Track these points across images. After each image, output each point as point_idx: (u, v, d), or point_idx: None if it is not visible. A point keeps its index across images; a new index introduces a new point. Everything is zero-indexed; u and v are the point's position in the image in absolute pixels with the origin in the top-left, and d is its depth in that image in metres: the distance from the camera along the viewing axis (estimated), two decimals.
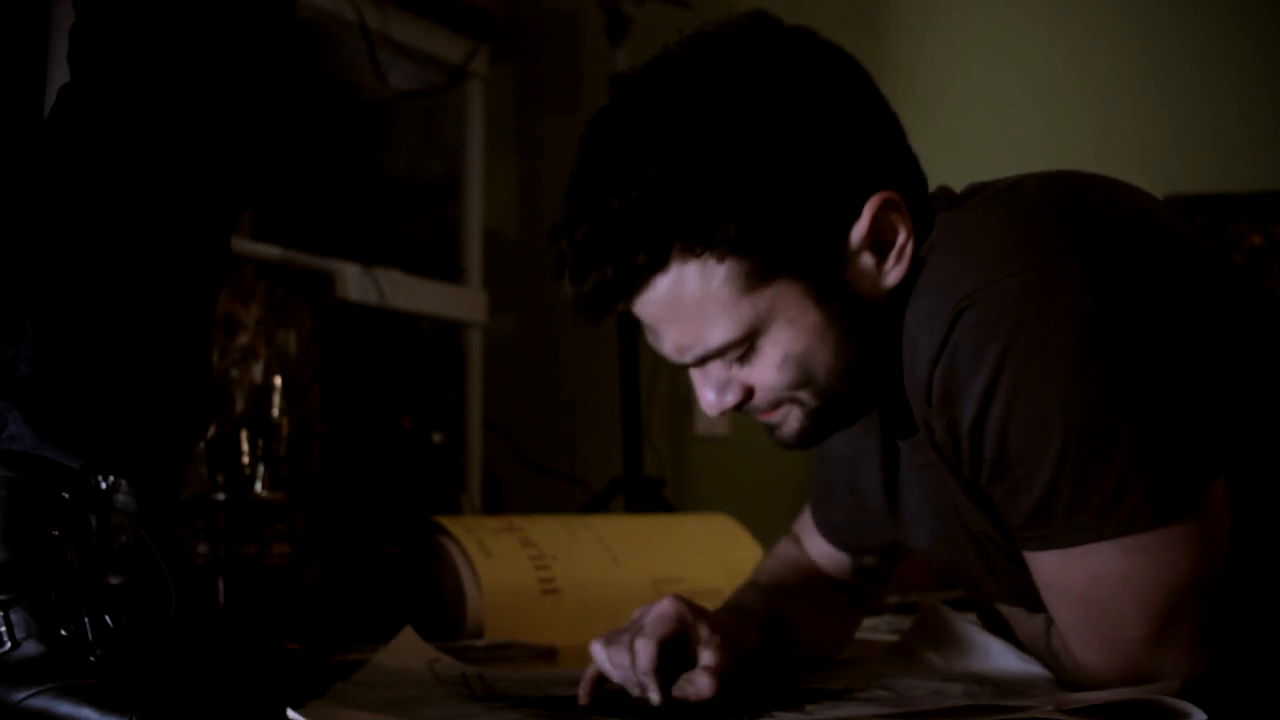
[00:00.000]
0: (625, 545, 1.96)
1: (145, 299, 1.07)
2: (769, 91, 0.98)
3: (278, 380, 1.83)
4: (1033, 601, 1.06)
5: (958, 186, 1.08)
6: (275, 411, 1.79)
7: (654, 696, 1.04)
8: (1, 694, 0.97)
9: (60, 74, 1.13)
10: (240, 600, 1.65)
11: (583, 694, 1.09)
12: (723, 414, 1.04)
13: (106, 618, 1.00)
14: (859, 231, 0.99)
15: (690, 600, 1.11)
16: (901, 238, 1.00)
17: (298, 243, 2.13)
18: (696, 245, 0.96)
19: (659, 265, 0.98)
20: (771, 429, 1.06)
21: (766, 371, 1.01)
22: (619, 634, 1.08)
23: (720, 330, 0.99)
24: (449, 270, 2.56)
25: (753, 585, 1.29)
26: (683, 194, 0.96)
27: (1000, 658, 1.23)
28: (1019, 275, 0.92)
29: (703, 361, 1.02)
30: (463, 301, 2.52)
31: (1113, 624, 0.93)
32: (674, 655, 1.06)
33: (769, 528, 1.53)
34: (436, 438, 2.43)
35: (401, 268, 2.35)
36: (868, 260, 1.00)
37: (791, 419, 1.05)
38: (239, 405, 1.96)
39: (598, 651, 1.08)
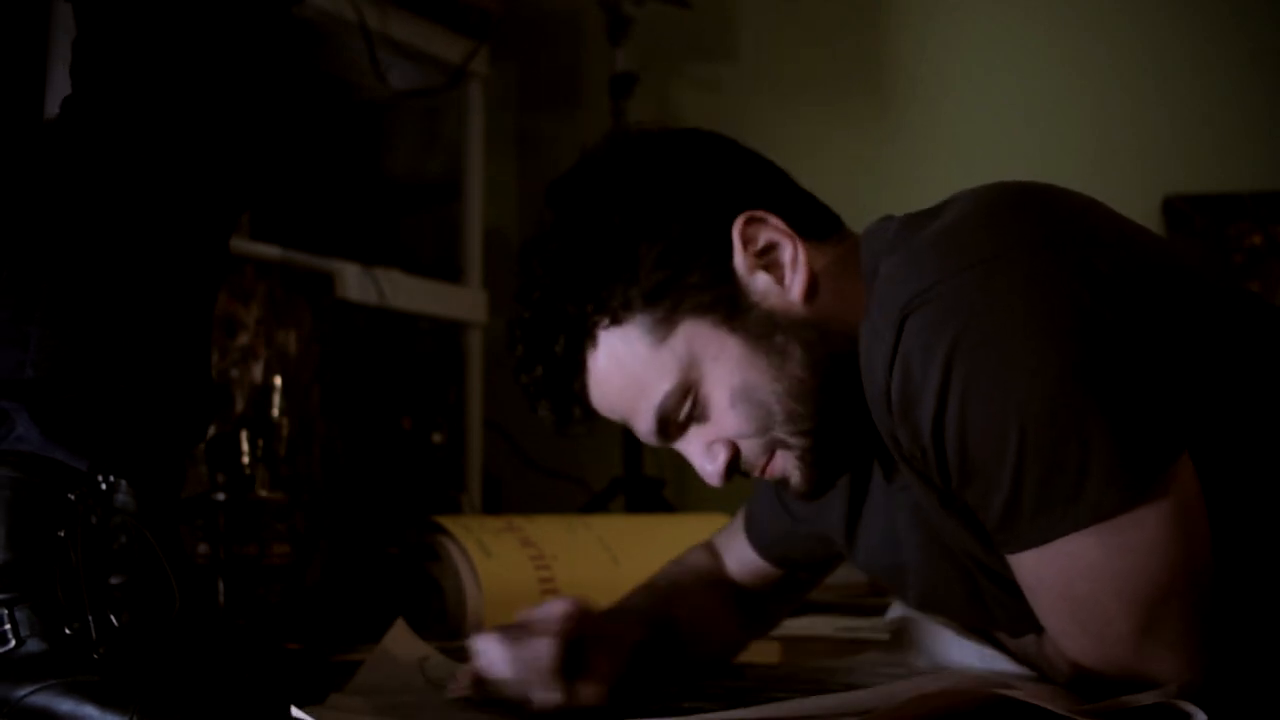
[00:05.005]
0: (625, 545, 1.96)
1: (146, 303, 1.08)
2: (620, 168, 1.08)
3: (278, 380, 1.83)
4: (1018, 626, 1.06)
5: (957, 185, 1.08)
6: (275, 411, 1.79)
7: (554, 697, 1.06)
8: (4, 691, 0.98)
9: (60, 82, 1.13)
10: (240, 600, 1.65)
11: (460, 689, 1.10)
12: (726, 479, 1.08)
13: (111, 617, 1.01)
14: (738, 257, 1.04)
15: (584, 600, 1.12)
16: (787, 250, 1.05)
17: (298, 243, 2.13)
18: (598, 320, 1.04)
19: (577, 347, 1.06)
20: (786, 484, 1.09)
21: (726, 417, 1.05)
22: (509, 629, 1.09)
23: (657, 387, 1.05)
24: (449, 270, 2.56)
25: (647, 587, 1.31)
26: (566, 281, 1.05)
27: (988, 660, 1.23)
28: (962, 273, 0.92)
29: (671, 426, 1.07)
30: (463, 301, 2.52)
31: (1099, 621, 0.93)
32: (571, 656, 1.07)
33: None
34: (436, 438, 2.43)
35: (401, 268, 2.35)
36: (765, 280, 1.04)
37: (791, 469, 1.07)
38: (239, 405, 1.97)
39: (490, 647, 1.08)
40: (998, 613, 1.09)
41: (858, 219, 1.13)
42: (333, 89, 2.46)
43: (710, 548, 1.39)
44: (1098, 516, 0.90)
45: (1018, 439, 0.90)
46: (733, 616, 1.34)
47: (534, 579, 1.81)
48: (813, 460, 1.06)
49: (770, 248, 1.05)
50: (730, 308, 1.04)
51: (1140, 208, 2.58)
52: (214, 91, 1.09)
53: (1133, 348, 0.92)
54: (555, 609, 1.09)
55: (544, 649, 1.06)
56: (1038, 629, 1.03)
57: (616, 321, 1.04)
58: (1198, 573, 0.92)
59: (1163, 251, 1.01)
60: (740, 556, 1.35)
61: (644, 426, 1.07)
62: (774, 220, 1.05)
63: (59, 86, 1.14)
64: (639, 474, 2.60)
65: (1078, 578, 0.92)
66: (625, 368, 1.05)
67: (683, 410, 1.06)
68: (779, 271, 1.05)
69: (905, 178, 2.78)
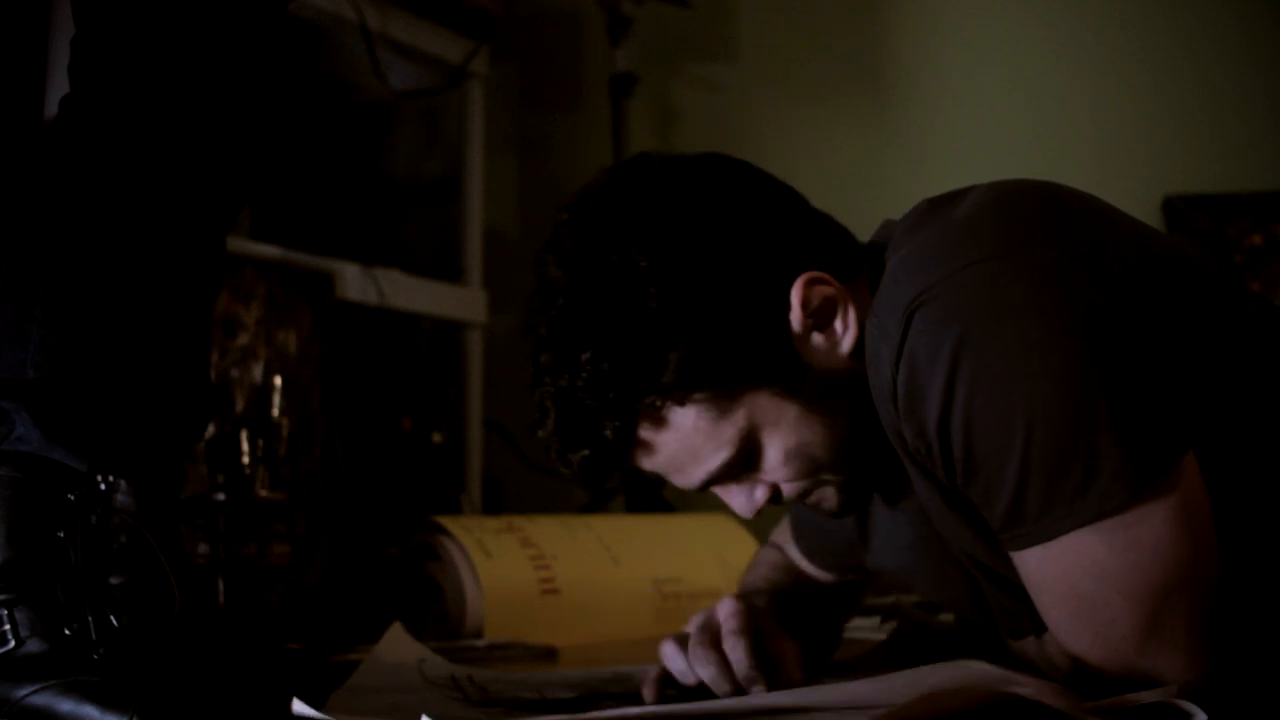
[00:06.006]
0: (625, 545, 1.96)
1: (146, 303, 1.08)
2: (657, 231, 1.02)
3: (278, 380, 1.83)
4: (1018, 627, 1.06)
5: (957, 185, 1.07)
6: (275, 411, 1.79)
7: (760, 691, 1.08)
8: (4, 691, 0.98)
9: (60, 81, 1.13)
10: (240, 600, 1.65)
11: (650, 694, 1.12)
12: (759, 513, 1.09)
13: (111, 617, 1.00)
14: (795, 319, 1.03)
15: (748, 598, 1.15)
16: (840, 308, 1.04)
17: (298, 243, 2.13)
18: (655, 401, 1.01)
19: (629, 433, 1.03)
20: (817, 506, 1.10)
21: (776, 471, 1.05)
22: (692, 636, 1.12)
23: (714, 457, 1.04)
24: (449, 270, 2.56)
25: (759, 591, 1.31)
26: (620, 364, 1.00)
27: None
28: (967, 269, 0.92)
29: (713, 482, 1.06)
30: (463, 301, 2.52)
31: (1103, 619, 0.93)
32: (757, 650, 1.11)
33: (768, 528, 1.54)
34: (436, 438, 2.43)
35: (401, 268, 2.35)
36: (819, 340, 1.04)
37: (828, 496, 1.08)
38: (239, 405, 1.96)
39: (674, 654, 1.11)
40: (997, 614, 1.09)
41: (858, 219, 1.13)
42: (333, 89, 2.46)
43: (777, 546, 1.40)
44: (1103, 513, 0.90)
45: (1024, 435, 0.90)
46: (826, 610, 1.36)
47: (534, 579, 1.81)
48: (848, 487, 1.08)
49: (825, 306, 1.04)
50: (790, 376, 1.03)
51: (1140, 208, 2.57)
52: (211, 90, 1.09)
53: (1140, 345, 0.91)
54: (729, 608, 1.12)
55: (739, 647, 1.09)
56: (1037, 631, 1.03)
57: (676, 402, 1.02)
58: (1202, 571, 0.92)
59: (1171, 250, 1.01)
60: (798, 557, 1.36)
61: (688, 485, 1.07)
62: (829, 279, 1.03)
63: (59, 86, 1.14)
64: (639, 474, 2.59)
65: (1082, 575, 0.92)
66: (682, 441, 1.03)
67: (735, 470, 1.05)
68: (831, 329, 1.04)
69: (905, 178, 2.78)
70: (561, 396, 1.03)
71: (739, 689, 1.09)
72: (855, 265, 1.06)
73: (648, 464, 1.06)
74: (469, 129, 2.60)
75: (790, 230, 1.05)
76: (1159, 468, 0.90)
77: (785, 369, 1.03)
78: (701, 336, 1.00)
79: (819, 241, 1.06)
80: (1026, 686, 0.87)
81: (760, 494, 1.07)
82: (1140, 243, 0.99)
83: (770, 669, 1.11)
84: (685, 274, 1.01)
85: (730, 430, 1.03)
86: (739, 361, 1.02)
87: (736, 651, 1.09)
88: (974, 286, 0.92)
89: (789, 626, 1.21)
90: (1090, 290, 0.91)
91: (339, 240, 2.27)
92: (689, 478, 1.06)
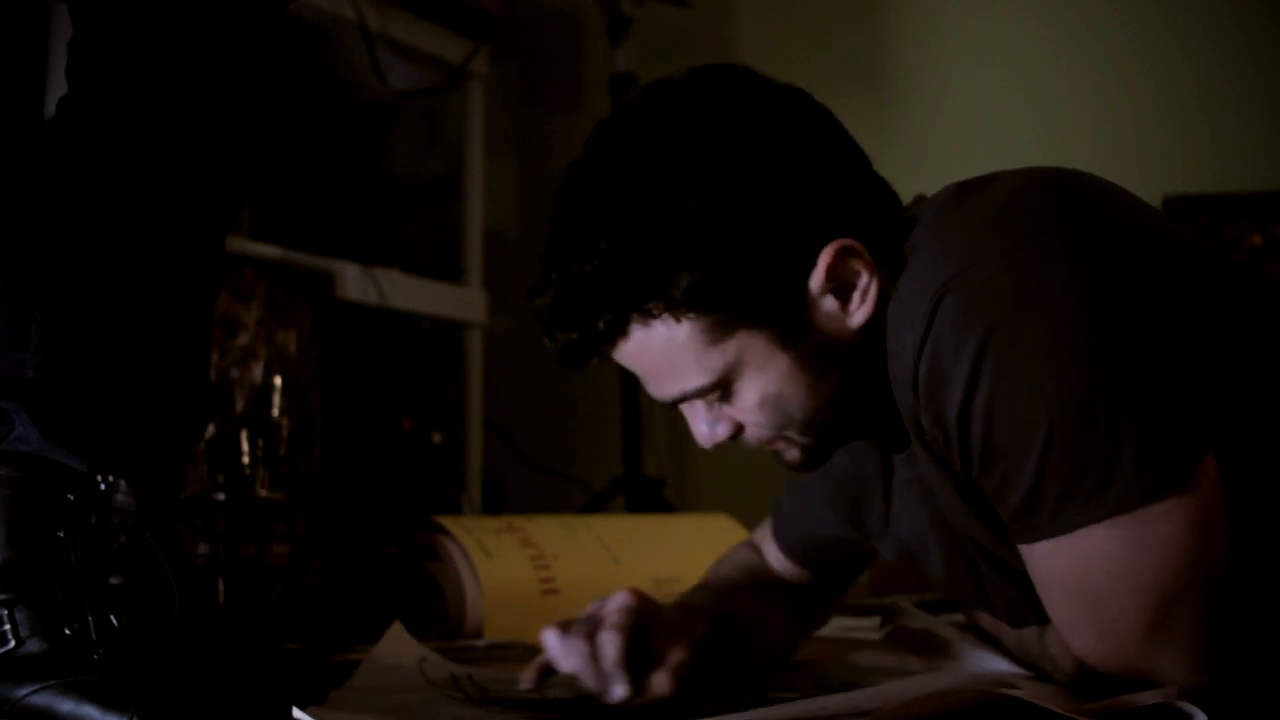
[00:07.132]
0: (625, 545, 1.96)
1: (145, 303, 1.08)
2: (715, 150, 1.01)
3: (278, 380, 1.83)
4: (1018, 616, 1.06)
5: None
6: (275, 411, 1.79)
7: (620, 691, 1.06)
8: (4, 691, 0.98)
9: (59, 83, 1.13)
10: (240, 600, 1.65)
11: (528, 680, 1.11)
12: (716, 446, 1.07)
13: (111, 617, 1.01)
14: (816, 280, 1.02)
15: (647, 594, 1.13)
16: (864, 280, 1.02)
17: (298, 243, 2.13)
18: (654, 309, 1.00)
19: (620, 330, 1.02)
20: (775, 454, 1.09)
21: (747, 413, 1.04)
22: (575, 623, 1.10)
23: (693, 379, 1.03)
24: (449, 270, 2.56)
25: (704, 587, 1.30)
26: (633, 263, 0.99)
27: (988, 662, 1.23)
28: (997, 259, 0.92)
29: (684, 400, 1.05)
30: (463, 301, 2.52)
31: (1110, 616, 0.93)
32: (635, 649, 1.08)
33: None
34: (436, 438, 2.43)
35: (401, 268, 2.35)
36: (831, 304, 1.02)
37: (790, 451, 1.08)
38: (239, 405, 1.97)
39: (551, 640, 1.09)
40: (997, 601, 1.09)
41: None
42: (333, 89, 2.46)
43: (753, 545, 1.39)
44: (1120, 509, 0.90)
45: (1046, 429, 0.90)
46: (786, 614, 1.35)
47: (534, 579, 1.81)
48: (813, 449, 1.07)
49: (848, 275, 1.02)
50: (792, 327, 1.02)
51: None
52: (210, 90, 1.09)
53: (1167, 341, 0.92)
54: (617, 601, 1.10)
55: (609, 642, 1.07)
56: (1037, 621, 1.03)
57: (674, 315, 1.00)
58: (1212, 573, 0.92)
59: (1197, 244, 1.01)
60: (775, 556, 1.36)
61: (660, 396, 1.06)
62: (862, 252, 1.02)
63: (58, 87, 1.14)
64: (639, 474, 2.60)
65: (1093, 570, 0.92)
66: (667, 355, 1.02)
67: (707, 398, 1.05)
68: (847, 298, 1.02)
69: (905, 178, 2.77)
70: (568, 274, 1.02)
71: (603, 684, 1.07)
72: (896, 244, 1.03)
73: (627, 362, 1.05)
74: (469, 129, 2.60)
75: (844, 191, 1.04)
76: (1180, 467, 0.90)
77: (789, 320, 1.02)
78: (720, 264, 0.99)
79: (868, 211, 1.05)
80: (1020, 688, 0.87)
81: (723, 429, 1.06)
82: (1170, 236, 0.99)
83: (644, 670, 1.08)
84: (727, 200, 0.99)
85: (717, 359, 1.02)
86: (746, 297, 1.00)
87: (607, 647, 1.07)
88: (1001, 277, 0.92)
89: (729, 628, 1.20)
90: (1119, 283, 0.91)
91: (339, 240, 2.27)
92: (662, 390, 1.05)
